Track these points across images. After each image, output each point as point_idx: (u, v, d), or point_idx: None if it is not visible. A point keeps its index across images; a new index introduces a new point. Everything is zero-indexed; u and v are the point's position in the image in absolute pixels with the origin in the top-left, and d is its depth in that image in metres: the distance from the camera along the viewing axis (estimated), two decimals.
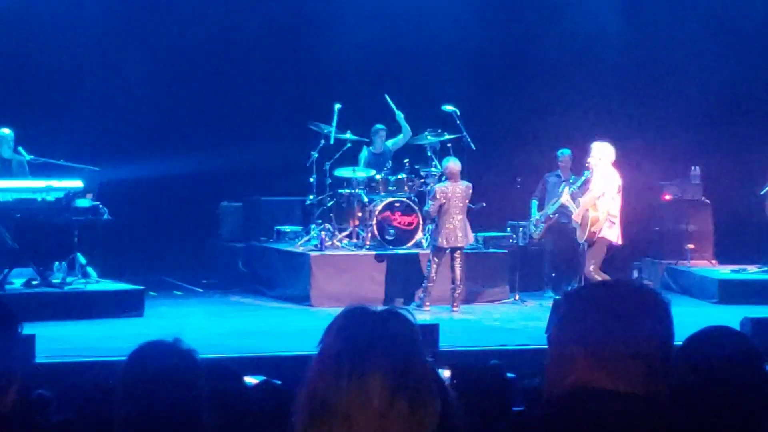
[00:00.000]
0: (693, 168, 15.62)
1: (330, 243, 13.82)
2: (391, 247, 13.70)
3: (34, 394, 5.64)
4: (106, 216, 12.41)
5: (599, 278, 11.84)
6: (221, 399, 3.78)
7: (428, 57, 16.01)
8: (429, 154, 14.26)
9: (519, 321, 12.49)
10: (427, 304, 12.99)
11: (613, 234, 12.15)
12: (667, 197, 15.67)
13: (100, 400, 4.20)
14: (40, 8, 14.71)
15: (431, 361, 2.20)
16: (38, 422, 4.78)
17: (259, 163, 15.01)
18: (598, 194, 12.13)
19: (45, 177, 12.39)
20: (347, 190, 14.09)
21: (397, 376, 2.10)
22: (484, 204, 13.92)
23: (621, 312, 2.40)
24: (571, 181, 13.29)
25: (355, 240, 13.99)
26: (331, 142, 14.18)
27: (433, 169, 14.05)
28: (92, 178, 12.71)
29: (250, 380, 4.92)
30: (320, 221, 14.20)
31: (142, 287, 12.59)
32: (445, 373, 4.74)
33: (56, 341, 10.08)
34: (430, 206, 13.04)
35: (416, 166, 14.19)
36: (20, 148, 12.71)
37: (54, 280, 12.30)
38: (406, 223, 13.75)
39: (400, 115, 14.31)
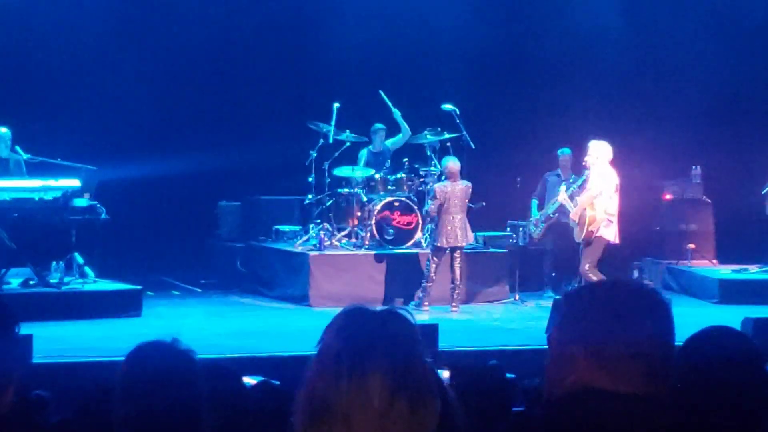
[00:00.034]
0: (694, 167, 15.62)
1: (329, 243, 13.81)
2: (390, 246, 13.69)
3: (31, 394, 5.63)
4: (103, 215, 12.40)
5: (594, 277, 11.87)
6: (220, 399, 3.77)
7: (428, 56, 16.01)
8: (428, 153, 14.25)
9: (519, 321, 12.49)
10: (426, 303, 12.98)
11: (610, 233, 12.14)
12: (668, 197, 15.67)
13: (99, 401, 4.18)
14: (38, 7, 14.70)
15: (431, 361, 2.18)
16: (36, 423, 4.76)
17: (258, 163, 15.00)
18: (595, 193, 12.11)
19: (42, 176, 12.37)
20: (346, 190, 14.07)
21: (396, 376, 2.10)
22: (484, 203, 13.91)
23: (621, 312, 2.39)
24: (571, 180, 13.28)
25: (354, 240, 13.98)
26: (330, 141, 14.17)
27: (432, 168, 14.03)
28: (90, 178, 12.70)
29: (249, 381, 4.91)
30: (319, 221, 14.19)
31: (140, 287, 12.57)
32: (445, 374, 4.73)
33: (54, 341, 10.06)
34: (430, 206, 13.04)
35: (415, 166, 14.18)
36: (17, 147, 12.71)
37: (51, 280, 12.28)
38: (405, 223, 13.74)
39: (397, 113, 14.29)
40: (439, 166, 13.70)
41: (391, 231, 13.66)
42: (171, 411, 3.00)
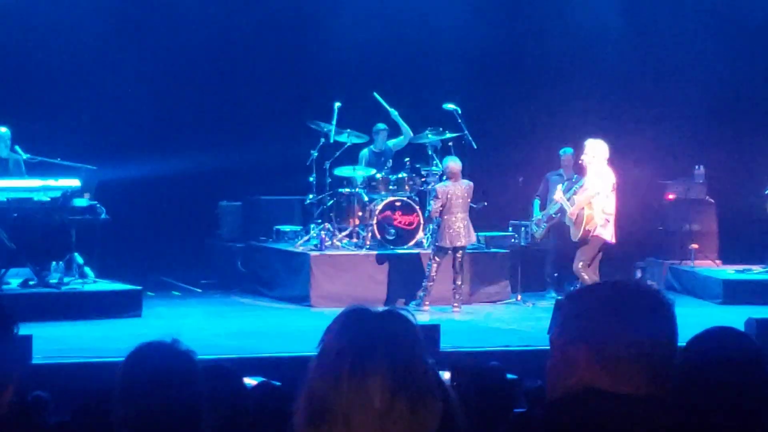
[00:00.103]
0: (697, 167, 15.60)
1: (330, 243, 13.80)
2: (391, 246, 13.68)
3: (31, 395, 5.63)
4: (103, 215, 12.39)
5: (586, 276, 11.89)
6: (220, 400, 3.76)
7: (429, 55, 16.01)
8: (430, 152, 14.23)
9: (521, 321, 12.47)
10: (427, 303, 12.96)
11: (607, 233, 12.13)
12: (671, 196, 15.65)
13: (98, 402, 4.18)
14: (38, 7, 14.70)
15: (432, 362, 2.17)
16: (35, 424, 4.76)
17: (259, 163, 15.00)
18: (593, 193, 12.09)
19: (42, 176, 12.38)
20: (347, 190, 14.06)
21: (397, 376, 2.09)
22: (486, 203, 13.90)
23: (624, 313, 2.38)
24: (573, 180, 13.26)
25: (355, 240, 13.97)
26: (331, 141, 14.16)
27: (434, 168, 14.01)
28: (90, 177, 12.70)
29: (250, 381, 4.90)
30: (320, 221, 14.18)
31: (140, 287, 12.56)
32: (446, 375, 4.72)
33: (53, 342, 10.05)
34: (433, 207, 13.01)
35: (417, 165, 14.17)
36: (17, 147, 12.70)
37: (51, 280, 12.28)
38: (406, 223, 13.73)
39: (394, 113, 14.27)
40: (440, 166, 13.68)
41: (392, 231, 13.65)
42: (171, 411, 2.99)
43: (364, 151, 14.39)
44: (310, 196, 14.33)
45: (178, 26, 15.11)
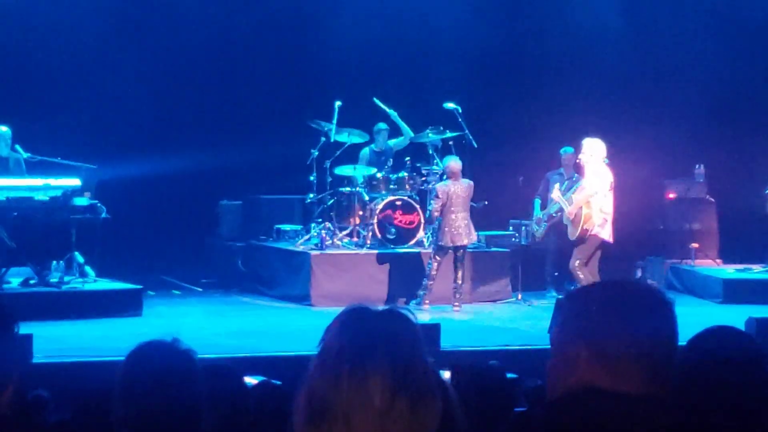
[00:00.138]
0: (697, 166, 15.60)
1: (330, 242, 13.79)
2: (392, 246, 13.67)
3: (31, 394, 5.63)
4: (104, 214, 12.39)
5: (581, 275, 11.87)
6: (220, 399, 3.76)
7: (429, 54, 16.01)
8: (430, 152, 14.22)
9: (521, 321, 12.46)
10: (427, 302, 12.96)
11: (605, 232, 12.11)
12: (671, 195, 15.65)
13: (98, 401, 4.17)
14: (38, 7, 14.70)
15: (432, 361, 2.17)
16: (36, 423, 4.75)
17: (259, 162, 15.00)
18: (592, 192, 12.07)
19: (42, 175, 12.38)
20: (348, 189, 14.06)
21: (397, 376, 2.09)
22: (486, 202, 13.89)
23: (624, 312, 2.38)
24: (573, 179, 13.25)
25: (355, 239, 13.96)
26: (332, 140, 14.16)
27: (434, 167, 14.01)
28: (90, 177, 12.69)
29: (250, 380, 4.90)
30: (320, 220, 14.18)
31: (140, 286, 12.55)
32: (446, 374, 4.72)
33: (54, 341, 10.05)
34: (433, 207, 13.00)
35: (417, 164, 14.16)
36: (17, 146, 12.70)
37: (51, 280, 12.27)
38: (407, 222, 13.73)
39: (394, 114, 14.28)
40: (441, 165, 13.67)
41: (392, 230, 13.65)
42: (171, 411, 2.99)
43: (365, 151, 14.39)
44: (311, 195, 14.33)
45: (178, 26, 15.11)
